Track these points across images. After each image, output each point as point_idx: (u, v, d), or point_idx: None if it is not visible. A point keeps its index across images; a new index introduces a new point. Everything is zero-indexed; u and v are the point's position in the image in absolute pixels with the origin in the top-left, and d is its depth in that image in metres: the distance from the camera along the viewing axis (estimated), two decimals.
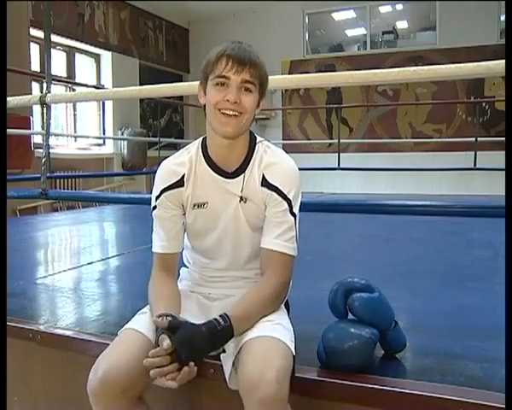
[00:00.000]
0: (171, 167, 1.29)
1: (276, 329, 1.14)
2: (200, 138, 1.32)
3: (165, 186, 1.27)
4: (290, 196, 1.24)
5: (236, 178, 1.26)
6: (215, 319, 1.09)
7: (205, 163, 1.28)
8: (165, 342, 1.03)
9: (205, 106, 1.24)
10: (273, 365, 1.03)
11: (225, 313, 1.11)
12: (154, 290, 1.24)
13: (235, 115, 1.17)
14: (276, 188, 1.24)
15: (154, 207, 1.30)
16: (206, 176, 1.27)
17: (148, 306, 1.27)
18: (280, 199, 1.24)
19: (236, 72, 1.15)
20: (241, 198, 1.26)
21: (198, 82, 1.26)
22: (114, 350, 1.14)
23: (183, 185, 1.27)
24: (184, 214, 1.30)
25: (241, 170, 1.26)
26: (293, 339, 1.15)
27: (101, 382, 1.08)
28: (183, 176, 1.27)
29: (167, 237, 1.29)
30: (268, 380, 1.00)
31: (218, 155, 1.27)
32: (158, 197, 1.28)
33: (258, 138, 1.32)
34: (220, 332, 1.08)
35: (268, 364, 1.03)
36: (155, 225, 1.31)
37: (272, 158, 1.27)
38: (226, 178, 1.27)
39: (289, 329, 1.18)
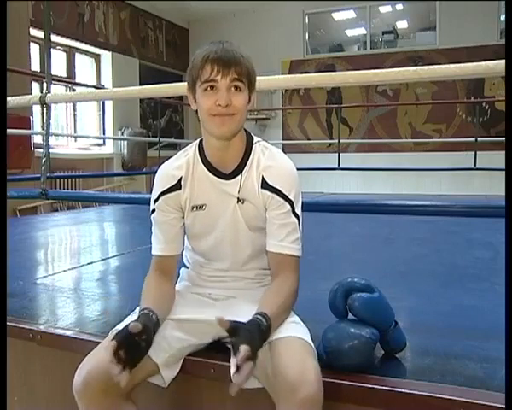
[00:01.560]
0: (168, 171, 1.30)
1: (300, 330, 1.16)
2: (198, 140, 1.32)
3: (163, 190, 1.28)
4: (291, 197, 1.24)
5: (233, 179, 1.26)
6: (257, 318, 1.07)
7: (202, 165, 1.28)
8: (243, 348, 0.97)
9: (197, 111, 1.24)
10: (311, 365, 1.04)
11: (264, 313, 1.09)
12: (146, 288, 1.25)
13: (228, 117, 1.17)
14: (277, 190, 1.24)
15: (153, 211, 1.30)
16: (204, 178, 1.28)
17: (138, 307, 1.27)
18: (282, 201, 1.24)
19: (223, 75, 1.15)
20: (239, 199, 1.26)
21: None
22: (99, 351, 1.15)
23: (180, 188, 1.28)
24: (183, 217, 1.31)
25: (238, 171, 1.26)
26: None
27: (83, 381, 1.09)
28: (180, 179, 1.28)
29: (166, 239, 1.29)
30: (310, 381, 1.01)
31: (214, 156, 1.27)
32: (156, 201, 1.29)
33: (256, 138, 1.31)
34: (264, 332, 1.06)
35: (307, 364, 1.04)
36: (154, 228, 1.32)
37: (270, 159, 1.27)
38: (223, 179, 1.27)
39: (307, 330, 1.20)
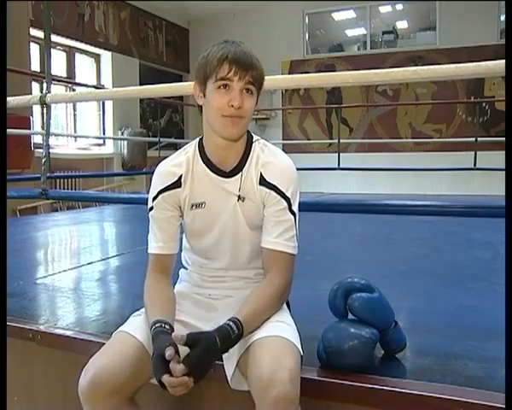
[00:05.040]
0: (168, 168, 1.29)
1: (284, 328, 1.14)
2: (197, 138, 1.32)
3: (163, 187, 1.27)
4: (288, 194, 1.24)
5: (234, 177, 1.26)
6: (228, 325, 1.07)
7: (202, 163, 1.28)
8: (178, 369, 1.00)
9: (200, 106, 1.24)
10: (286, 364, 1.03)
11: (237, 318, 1.09)
12: (150, 294, 1.24)
13: (238, 118, 1.17)
14: (274, 186, 1.23)
15: (151, 208, 1.30)
16: (204, 176, 1.27)
17: (142, 309, 1.26)
18: (278, 197, 1.23)
19: (240, 76, 1.15)
20: (239, 197, 1.26)
21: None
22: (105, 352, 1.15)
23: (180, 186, 1.27)
24: (181, 216, 1.30)
25: (238, 169, 1.26)
26: (299, 339, 1.15)
27: (89, 383, 1.08)
28: (181, 177, 1.27)
29: (164, 238, 1.28)
30: (282, 379, 1.00)
31: (215, 155, 1.27)
32: (155, 198, 1.28)
33: (255, 137, 1.31)
34: (233, 340, 1.07)
35: (281, 363, 1.02)
36: (152, 226, 1.30)
37: (269, 156, 1.27)
38: (224, 177, 1.26)
39: (295, 329, 1.18)
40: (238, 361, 1.12)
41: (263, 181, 1.24)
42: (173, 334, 1.06)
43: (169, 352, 1.00)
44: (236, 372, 1.14)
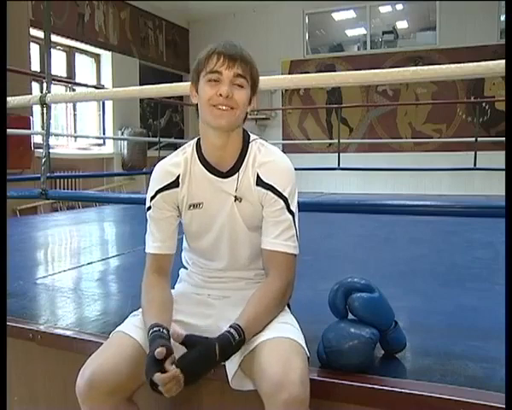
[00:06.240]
0: (166, 168, 1.29)
1: (289, 329, 1.14)
2: (195, 139, 1.32)
3: (161, 187, 1.27)
4: (286, 194, 1.23)
5: (230, 178, 1.26)
6: (229, 333, 1.07)
7: (199, 163, 1.28)
8: (170, 369, 1.00)
9: (197, 105, 1.24)
10: (296, 366, 1.03)
11: (238, 325, 1.08)
12: (147, 295, 1.23)
13: (227, 110, 1.17)
14: (271, 186, 1.23)
15: (149, 208, 1.29)
16: (201, 176, 1.27)
17: (141, 309, 1.26)
18: (276, 198, 1.23)
19: (228, 67, 1.16)
20: (236, 197, 1.25)
21: None
22: (103, 352, 1.14)
23: (178, 186, 1.27)
24: (179, 216, 1.30)
25: (235, 169, 1.26)
26: (304, 340, 1.15)
27: (87, 383, 1.08)
28: (179, 177, 1.27)
29: (162, 237, 1.28)
30: (293, 381, 0.99)
31: (212, 155, 1.27)
32: (153, 198, 1.28)
33: (252, 137, 1.31)
34: (234, 347, 1.06)
35: (291, 365, 1.02)
36: (149, 226, 1.30)
37: (266, 156, 1.26)
38: (220, 177, 1.26)
39: (299, 329, 1.18)
40: (241, 362, 1.12)
41: (260, 181, 1.24)
42: (171, 330, 1.05)
43: (159, 350, 0.99)
44: (238, 373, 1.13)
